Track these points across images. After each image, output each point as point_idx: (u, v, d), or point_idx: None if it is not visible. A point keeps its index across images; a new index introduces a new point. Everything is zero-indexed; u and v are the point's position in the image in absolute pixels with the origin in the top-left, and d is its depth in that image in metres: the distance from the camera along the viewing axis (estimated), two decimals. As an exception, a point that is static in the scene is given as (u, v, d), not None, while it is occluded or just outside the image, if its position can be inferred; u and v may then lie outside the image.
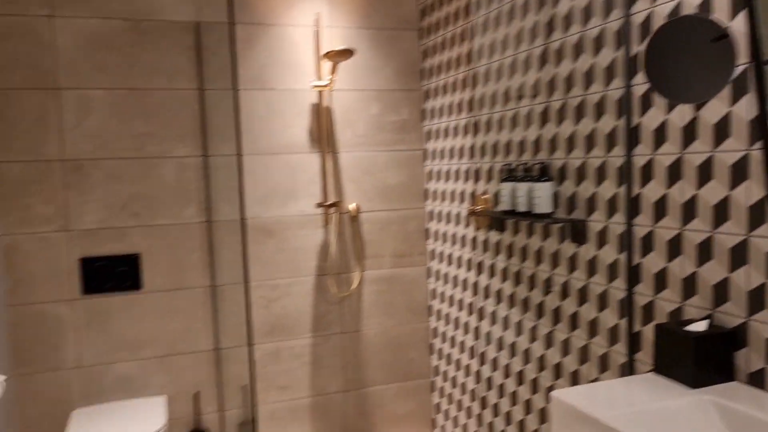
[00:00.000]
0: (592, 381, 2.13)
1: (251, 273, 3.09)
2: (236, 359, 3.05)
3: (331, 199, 3.20)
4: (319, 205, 3.14)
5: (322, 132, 3.15)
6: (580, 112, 2.10)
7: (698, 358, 1.55)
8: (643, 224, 1.87)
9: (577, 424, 1.47)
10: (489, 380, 2.81)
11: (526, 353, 2.50)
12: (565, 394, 1.55)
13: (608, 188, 1.99)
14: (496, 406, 2.76)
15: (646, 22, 1.81)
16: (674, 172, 1.75)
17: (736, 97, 1.55)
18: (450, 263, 3.13)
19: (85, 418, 2.71)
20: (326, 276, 3.23)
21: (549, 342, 2.35)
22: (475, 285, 2.88)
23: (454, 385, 3.18)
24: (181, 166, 2.97)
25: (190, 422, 3.06)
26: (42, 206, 2.78)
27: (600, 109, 2.01)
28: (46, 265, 2.80)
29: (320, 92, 3.15)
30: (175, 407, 3.03)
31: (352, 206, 3.22)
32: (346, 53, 2.96)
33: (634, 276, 1.92)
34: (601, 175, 2.02)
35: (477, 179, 2.80)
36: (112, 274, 2.89)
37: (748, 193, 1.53)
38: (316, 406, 3.25)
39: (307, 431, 3.24)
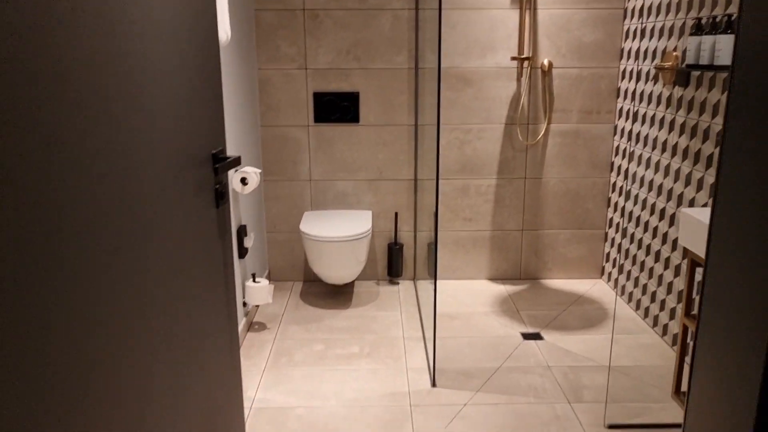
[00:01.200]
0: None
1: (449, 117, 3.54)
2: (430, 189, 3.60)
3: (526, 54, 3.45)
4: (514, 58, 3.42)
5: (524, -12, 3.36)
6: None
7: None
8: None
9: (692, 228, 1.74)
10: (655, 229, 3.03)
11: (692, 203, 2.68)
12: (689, 210, 1.81)
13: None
14: (658, 253, 3.00)
15: None
16: None
17: None
18: (635, 120, 3.27)
19: (314, 218, 3.50)
20: (515, 125, 3.56)
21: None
22: (655, 140, 3.03)
23: (624, 236, 3.43)
24: (396, 17, 3.42)
25: (389, 236, 3.74)
26: (287, 47, 3.45)
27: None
28: (288, 96, 3.52)
29: (526, -51, 3.32)
30: (378, 222, 3.71)
31: (545, 61, 3.45)
32: None
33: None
34: (784, 25, 2.06)
35: (670, 36, 2.86)
36: (336, 107, 3.53)
37: None
38: (494, 239, 3.73)
39: (485, 259, 3.76)
